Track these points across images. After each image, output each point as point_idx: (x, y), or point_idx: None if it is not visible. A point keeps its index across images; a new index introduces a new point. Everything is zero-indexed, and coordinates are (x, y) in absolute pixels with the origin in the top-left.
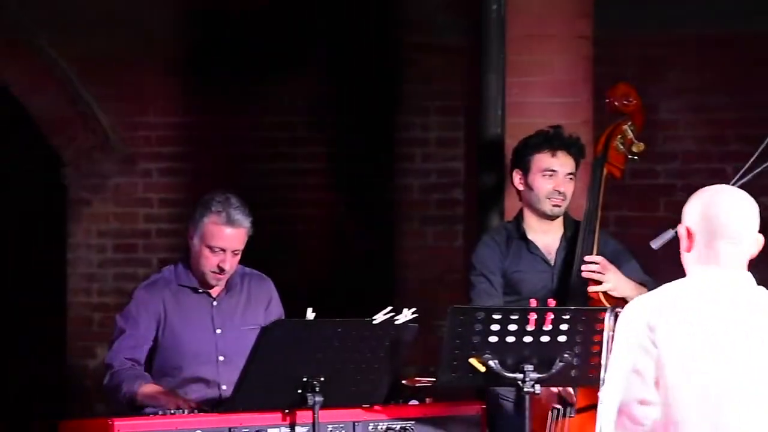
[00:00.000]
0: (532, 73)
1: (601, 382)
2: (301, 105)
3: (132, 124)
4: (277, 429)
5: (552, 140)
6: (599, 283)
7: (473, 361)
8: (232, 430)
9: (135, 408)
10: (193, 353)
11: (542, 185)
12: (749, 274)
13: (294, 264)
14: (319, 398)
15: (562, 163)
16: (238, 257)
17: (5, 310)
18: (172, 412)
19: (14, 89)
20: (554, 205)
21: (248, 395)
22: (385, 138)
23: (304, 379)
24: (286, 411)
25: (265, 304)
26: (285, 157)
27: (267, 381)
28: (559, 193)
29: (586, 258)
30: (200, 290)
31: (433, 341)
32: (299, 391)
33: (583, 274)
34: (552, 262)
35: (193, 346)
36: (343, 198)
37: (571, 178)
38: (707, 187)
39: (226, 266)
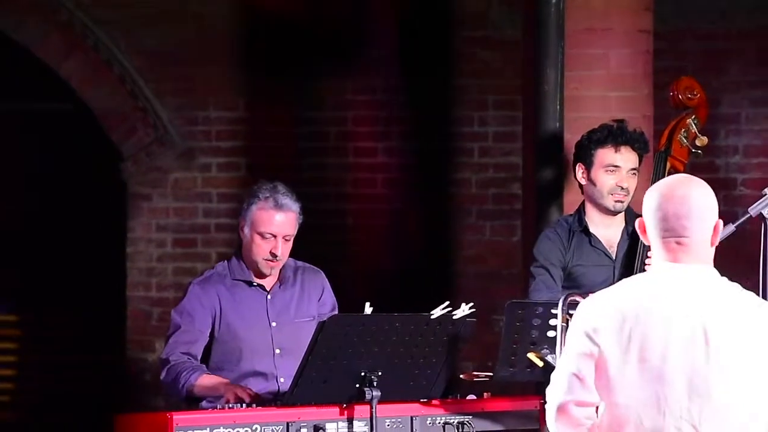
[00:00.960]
0: (591, 66)
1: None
2: (357, 99)
3: (191, 118)
4: (335, 423)
5: (616, 135)
6: None
7: (531, 355)
8: (290, 424)
9: (193, 400)
10: (250, 347)
11: (605, 181)
12: (706, 267)
13: (349, 259)
14: (376, 393)
15: (625, 158)
16: (290, 244)
17: (65, 304)
18: (230, 405)
19: (74, 83)
20: (617, 201)
21: (306, 389)
22: (442, 132)
23: (362, 374)
24: (344, 405)
25: (318, 296)
26: (341, 152)
27: (325, 375)
28: (622, 188)
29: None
30: (254, 284)
31: (491, 336)
32: (357, 385)
33: (647, 268)
34: (613, 256)
35: (250, 340)
36: (399, 193)
37: (634, 174)
38: (663, 180)
39: (279, 252)
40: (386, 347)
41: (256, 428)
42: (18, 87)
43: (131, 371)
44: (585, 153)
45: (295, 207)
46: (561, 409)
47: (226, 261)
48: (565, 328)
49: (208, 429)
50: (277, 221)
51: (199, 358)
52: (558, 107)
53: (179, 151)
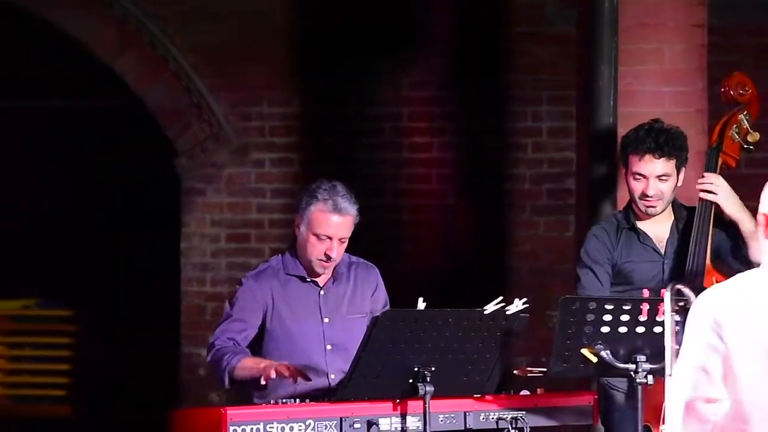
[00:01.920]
0: (645, 61)
1: (666, 371)
2: (412, 95)
3: (245, 114)
4: (388, 418)
5: (640, 142)
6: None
7: (585, 351)
8: (343, 419)
9: (232, 382)
10: (302, 342)
11: (634, 186)
12: None
13: (403, 254)
14: (430, 388)
15: (649, 167)
16: (345, 245)
17: (120, 299)
18: (284, 401)
19: (129, 79)
20: (648, 206)
21: (359, 384)
22: (497, 128)
23: (415, 369)
24: (397, 400)
25: (372, 292)
26: (395, 148)
27: (378, 370)
28: (648, 196)
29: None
30: (308, 279)
31: (545, 331)
32: (410, 380)
33: (697, 186)
34: (663, 251)
35: (302, 336)
36: (453, 188)
37: (663, 179)
38: None
39: (333, 254)
40: (439, 342)
41: (310, 423)
42: (73, 83)
43: (185, 366)
44: (622, 155)
45: (353, 210)
46: (689, 407)
47: (280, 255)
48: (677, 320)
49: (261, 424)
50: (333, 224)
51: (245, 346)
52: (612, 102)
53: (233, 146)
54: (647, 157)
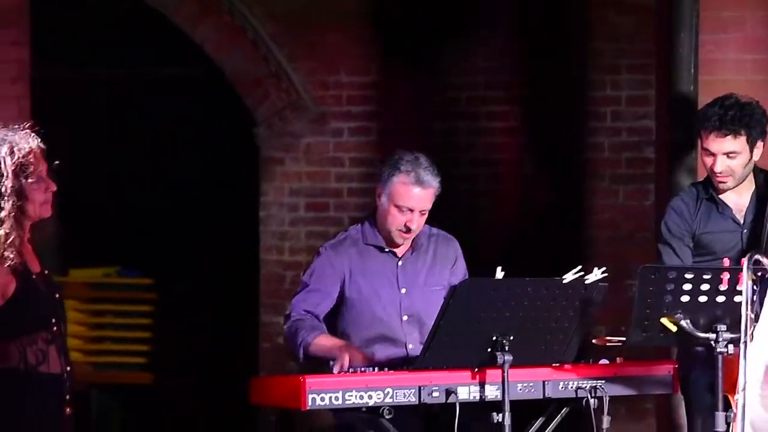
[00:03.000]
0: (726, 29)
1: (742, 336)
2: (489, 64)
3: (323, 83)
4: (467, 387)
5: (708, 119)
6: None
7: (665, 320)
8: (421, 388)
9: (307, 358)
10: (379, 312)
11: (705, 162)
12: None
13: (481, 224)
14: (508, 357)
15: (715, 144)
16: (425, 217)
17: (200, 268)
18: (362, 370)
19: (208, 48)
20: (719, 182)
21: (437, 354)
22: (575, 96)
23: (494, 338)
24: (476, 369)
25: (451, 264)
26: (472, 116)
27: (456, 339)
28: (717, 172)
29: None
30: (386, 249)
31: (624, 300)
32: (489, 349)
33: None
34: (741, 221)
35: (379, 306)
36: (531, 157)
37: (732, 156)
38: None
39: (413, 226)
40: (518, 312)
41: (388, 392)
42: (152, 52)
43: (264, 334)
44: (696, 129)
45: (435, 182)
46: None
47: (359, 225)
48: (754, 290)
49: (340, 392)
50: (415, 196)
51: (321, 318)
52: (692, 70)
53: (311, 115)
54: (713, 134)
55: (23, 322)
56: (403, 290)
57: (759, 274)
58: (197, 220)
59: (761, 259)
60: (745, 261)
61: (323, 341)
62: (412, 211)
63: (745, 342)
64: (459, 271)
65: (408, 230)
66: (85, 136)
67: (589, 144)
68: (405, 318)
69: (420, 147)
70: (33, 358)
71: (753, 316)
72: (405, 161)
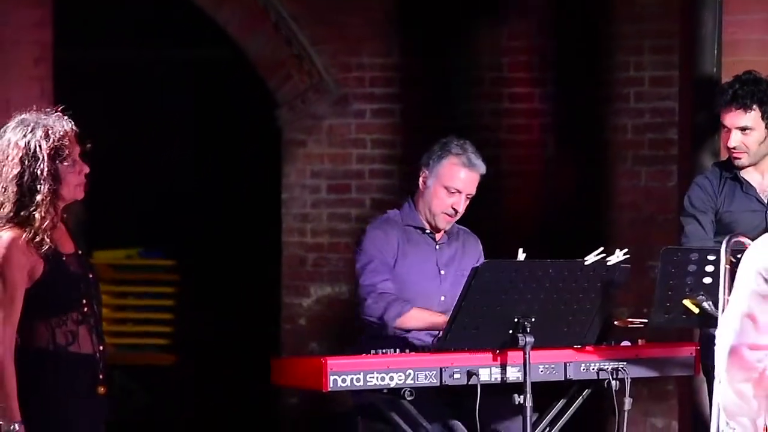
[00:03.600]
0: (749, 10)
1: (717, 320)
2: (512, 45)
3: (345, 65)
4: (488, 369)
5: (725, 93)
6: None
7: (687, 302)
8: (443, 369)
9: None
10: (420, 291)
11: (723, 138)
12: None
13: (504, 205)
14: (530, 339)
15: (731, 119)
16: (467, 203)
17: (222, 250)
18: (383, 351)
19: (231, 29)
20: (734, 158)
21: (459, 335)
22: (598, 77)
23: (515, 320)
24: (497, 351)
25: (475, 260)
26: (496, 98)
27: (478, 321)
28: (733, 148)
29: None
30: (426, 231)
31: (646, 282)
32: (510, 331)
33: None
34: (766, 201)
35: (421, 284)
36: (554, 138)
37: (746, 132)
38: None
39: (459, 208)
40: (539, 293)
41: (410, 373)
42: (175, 34)
43: (286, 316)
44: (716, 107)
45: (483, 167)
46: (733, 352)
47: (396, 209)
48: (729, 270)
49: (361, 374)
50: (464, 178)
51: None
52: (715, 51)
53: (334, 97)
54: (727, 108)
55: (52, 304)
56: (442, 271)
57: (739, 256)
58: (219, 202)
59: (743, 240)
60: (724, 242)
61: (421, 314)
62: (459, 193)
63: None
64: None
65: (454, 213)
66: (107, 117)
67: (612, 125)
68: (442, 298)
69: (442, 128)
70: (63, 339)
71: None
72: (455, 145)
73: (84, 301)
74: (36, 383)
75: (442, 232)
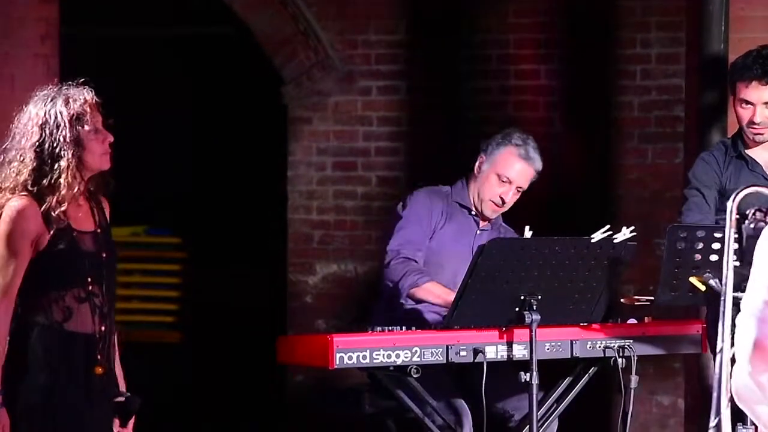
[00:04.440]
0: None
1: (722, 296)
2: (519, 22)
3: (351, 42)
4: (494, 346)
5: (749, 68)
6: None
7: (693, 279)
8: (449, 347)
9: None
10: (452, 267)
11: (741, 114)
12: None
13: None
14: (536, 316)
15: (755, 94)
16: (517, 197)
17: (228, 227)
18: (390, 329)
19: (237, 7)
20: (755, 134)
21: (465, 313)
22: (605, 55)
23: (522, 298)
24: (503, 329)
25: None
26: (502, 75)
27: (484, 299)
28: (756, 123)
29: None
30: (472, 212)
31: (653, 260)
32: (516, 309)
33: None
34: None
35: (454, 261)
36: (560, 116)
37: None
38: None
39: (508, 198)
40: (546, 271)
41: (416, 351)
42: (181, 11)
43: (292, 293)
44: (729, 82)
45: (539, 164)
46: (758, 345)
47: (449, 186)
48: (737, 237)
49: (368, 351)
50: (519, 169)
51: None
52: (723, 28)
53: (340, 74)
54: (754, 83)
55: (52, 278)
56: None
57: (748, 212)
58: (225, 180)
59: (761, 190)
60: (731, 199)
61: (437, 289)
62: (510, 183)
63: (724, 299)
64: None
65: (501, 203)
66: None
67: (618, 102)
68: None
69: (449, 106)
70: (59, 315)
71: (739, 265)
72: (517, 136)
73: (89, 280)
74: (29, 355)
75: (487, 221)
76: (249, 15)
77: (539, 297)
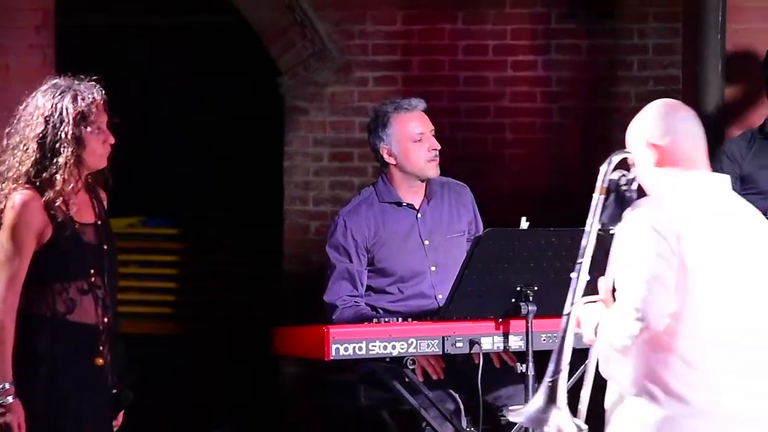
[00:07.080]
0: None
1: (578, 259)
2: (516, 12)
3: (348, 32)
4: (490, 338)
5: None
6: None
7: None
8: (445, 338)
9: None
10: (409, 266)
11: None
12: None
13: (507, 173)
14: (532, 307)
15: None
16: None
17: (223, 219)
18: (386, 320)
19: None
20: None
21: (461, 304)
22: (602, 45)
23: (518, 288)
24: (500, 320)
25: (469, 211)
26: (499, 66)
27: (480, 290)
28: None
29: None
30: (404, 204)
31: None
32: (513, 300)
33: None
34: None
35: (407, 260)
36: (557, 106)
37: None
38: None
39: (435, 145)
40: (542, 262)
41: (412, 342)
42: (178, 0)
43: (289, 284)
44: (764, 69)
45: (422, 104)
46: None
47: (371, 186)
48: (604, 200)
49: (364, 342)
50: (418, 120)
51: (362, 292)
52: (720, 18)
53: (336, 65)
54: None
55: (55, 270)
56: (426, 242)
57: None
58: (221, 170)
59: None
60: (606, 162)
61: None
62: (424, 134)
63: (580, 262)
64: (478, 219)
65: (436, 154)
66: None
67: (616, 93)
68: (433, 269)
69: (446, 97)
70: (62, 306)
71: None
72: (387, 105)
73: (92, 272)
74: (34, 348)
75: (421, 198)
76: (246, 5)
77: (535, 288)
